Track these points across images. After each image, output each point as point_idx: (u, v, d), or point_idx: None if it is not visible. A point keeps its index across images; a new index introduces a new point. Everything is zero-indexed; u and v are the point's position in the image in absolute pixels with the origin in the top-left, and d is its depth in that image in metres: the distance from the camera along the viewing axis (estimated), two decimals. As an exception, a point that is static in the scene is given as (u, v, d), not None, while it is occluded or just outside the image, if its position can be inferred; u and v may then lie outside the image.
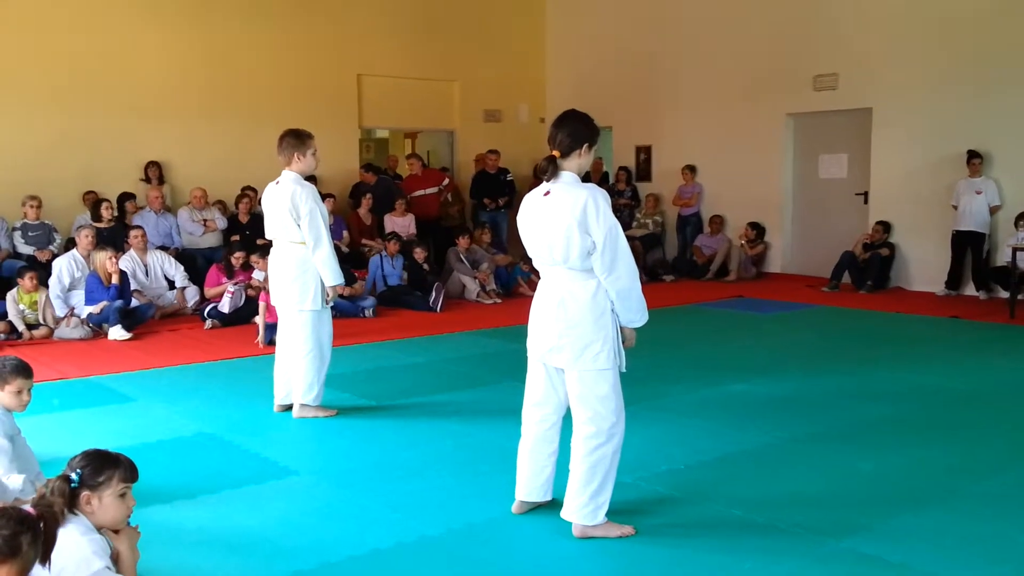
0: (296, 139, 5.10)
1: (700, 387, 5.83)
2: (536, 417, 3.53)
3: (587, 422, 3.33)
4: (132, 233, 8.88)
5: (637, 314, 3.32)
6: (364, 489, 3.99)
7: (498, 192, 12.06)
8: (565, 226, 3.22)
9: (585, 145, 3.35)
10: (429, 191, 11.73)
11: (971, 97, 9.54)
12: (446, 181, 12.06)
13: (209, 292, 8.75)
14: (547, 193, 3.35)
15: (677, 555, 3.25)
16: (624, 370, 3.38)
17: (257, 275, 8.47)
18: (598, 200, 3.22)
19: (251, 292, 8.33)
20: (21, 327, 7.63)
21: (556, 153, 3.34)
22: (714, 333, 8.02)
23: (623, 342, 3.36)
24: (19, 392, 3.57)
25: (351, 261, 9.91)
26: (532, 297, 3.55)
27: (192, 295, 9.00)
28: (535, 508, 3.62)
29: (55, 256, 8.74)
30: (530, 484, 3.58)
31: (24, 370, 3.60)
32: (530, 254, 3.47)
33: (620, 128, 13.03)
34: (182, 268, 9.03)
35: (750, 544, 3.34)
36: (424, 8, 12.58)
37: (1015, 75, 9.22)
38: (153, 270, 8.88)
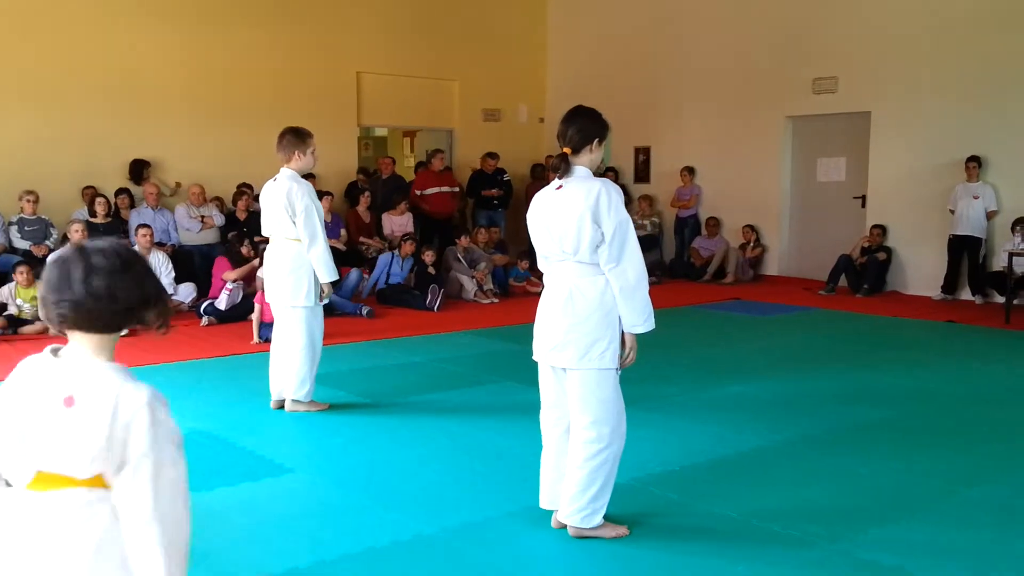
0: (297, 137, 5.14)
1: (696, 389, 5.84)
2: (551, 420, 3.46)
3: (588, 427, 3.28)
4: (140, 232, 8.84)
5: (641, 317, 3.24)
6: (360, 487, 3.99)
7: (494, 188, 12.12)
8: (578, 215, 3.20)
9: (596, 140, 3.34)
10: (443, 190, 11.57)
11: (970, 102, 9.56)
12: (457, 188, 11.89)
13: (227, 275, 8.57)
14: (559, 187, 3.32)
15: (671, 557, 3.25)
16: (619, 373, 3.34)
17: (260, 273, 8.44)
18: (611, 193, 3.22)
19: (250, 289, 8.32)
20: None
21: (567, 150, 3.32)
22: (711, 335, 8.02)
23: (623, 356, 3.29)
24: None
25: (349, 259, 9.90)
26: (531, 296, 3.54)
27: (187, 292, 8.98)
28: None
29: (51, 251, 8.72)
30: (554, 491, 3.46)
31: None
32: (538, 251, 3.42)
33: (619, 129, 12.97)
34: (172, 273, 8.92)
35: (744, 547, 3.34)
36: (424, 6, 12.57)
37: (1013, 81, 9.24)
38: (155, 270, 8.83)
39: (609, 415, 3.29)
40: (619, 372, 3.33)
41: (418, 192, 11.48)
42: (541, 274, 3.52)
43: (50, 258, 1.73)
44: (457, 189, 11.83)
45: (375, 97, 12.28)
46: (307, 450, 4.69)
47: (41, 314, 1.71)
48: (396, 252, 9.78)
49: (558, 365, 3.35)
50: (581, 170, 3.32)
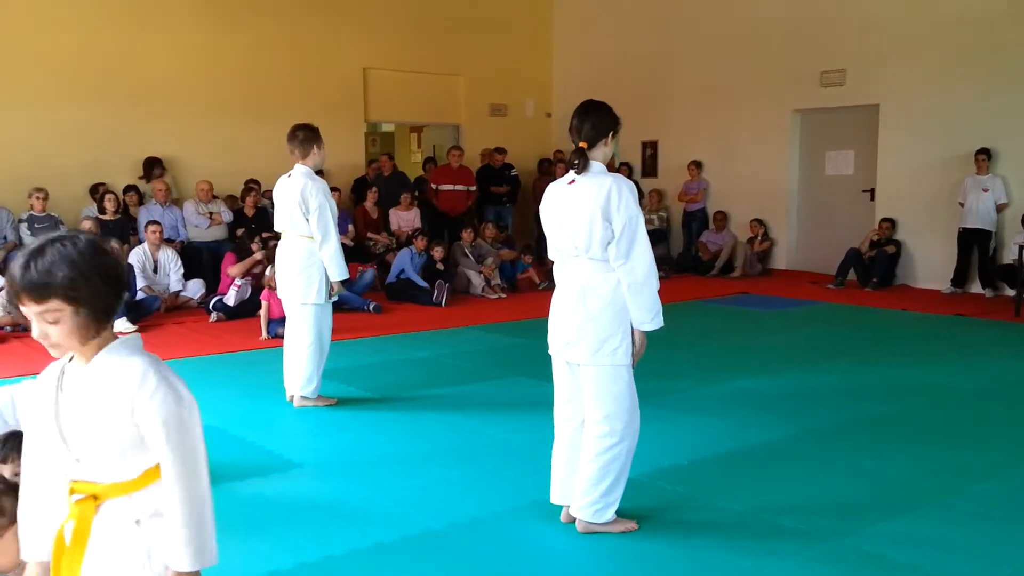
0: (313, 133, 5.18)
1: (704, 383, 5.83)
2: (565, 414, 3.46)
3: (601, 421, 3.29)
4: (150, 229, 8.87)
5: (649, 314, 3.23)
6: (368, 482, 4.00)
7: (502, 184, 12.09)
8: (589, 213, 3.20)
9: (610, 134, 3.36)
10: (457, 188, 11.49)
11: (979, 94, 9.51)
12: (473, 187, 11.74)
13: (231, 270, 8.63)
14: (572, 182, 3.32)
15: (679, 551, 3.25)
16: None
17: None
18: (622, 189, 3.21)
19: (258, 285, 8.34)
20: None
21: (583, 144, 3.31)
22: (719, 329, 8.02)
23: (632, 349, 3.30)
24: None
25: (356, 255, 9.90)
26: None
27: (196, 289, 9.01)
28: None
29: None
30: (565, 486, 3.45)
31: None
32: (551, 245, 3.42)
33: (626, 123, 12.51)
34: (181, 270, 8.98)
35: (752, 541, 3.34)
36: (430, 1, 12.56)
37: (1023, 72, 9.18)
38: (163, 266, 8.90)
39: (622, 410, 3.29)
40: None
41: (434, 187, 11.48)
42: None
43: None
44: (473, 188, 11.67)
45: (382, 93, 12.28)
46: (315, 445, 4.70)
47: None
48: (412, 247, 9.76)
49: (572, 360, 3.35)
50: (596, 165, 3.32)
